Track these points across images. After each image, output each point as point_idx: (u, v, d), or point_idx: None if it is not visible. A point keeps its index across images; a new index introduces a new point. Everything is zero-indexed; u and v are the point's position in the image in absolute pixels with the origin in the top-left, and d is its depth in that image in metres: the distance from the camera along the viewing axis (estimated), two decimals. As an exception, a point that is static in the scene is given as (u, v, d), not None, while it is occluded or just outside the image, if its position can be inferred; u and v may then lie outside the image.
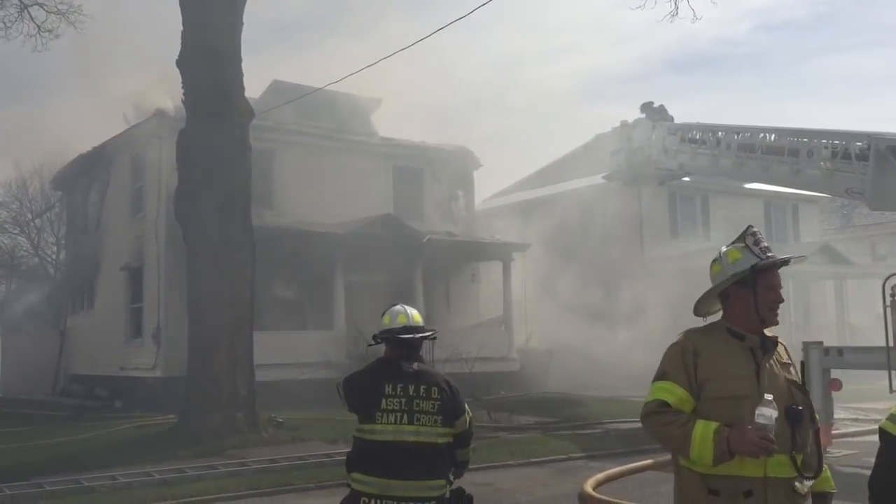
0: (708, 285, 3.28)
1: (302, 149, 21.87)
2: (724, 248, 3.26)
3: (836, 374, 11.74)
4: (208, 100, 14.23)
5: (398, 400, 4.16)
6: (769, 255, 3.16)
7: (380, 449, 4.11)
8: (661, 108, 19.35)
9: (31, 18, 18.69)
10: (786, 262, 3.22)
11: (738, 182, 23.62)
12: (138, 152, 21.84)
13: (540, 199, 28.05)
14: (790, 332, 21.21)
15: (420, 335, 4.35)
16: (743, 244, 3.20)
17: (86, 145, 23.85)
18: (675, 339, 3.22)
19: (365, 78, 17.81)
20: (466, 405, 4.41)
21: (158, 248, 19.83)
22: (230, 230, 14.16)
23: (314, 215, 20.71)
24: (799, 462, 2.99)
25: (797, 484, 3.00)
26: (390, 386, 4.19)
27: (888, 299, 10.91)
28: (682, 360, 3.11)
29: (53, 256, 33.29)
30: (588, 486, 9.41)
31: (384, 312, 4.46)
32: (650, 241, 26.16)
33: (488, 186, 31.38)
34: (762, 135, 16.16)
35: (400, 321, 4.35)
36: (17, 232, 35.61)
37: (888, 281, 10.81)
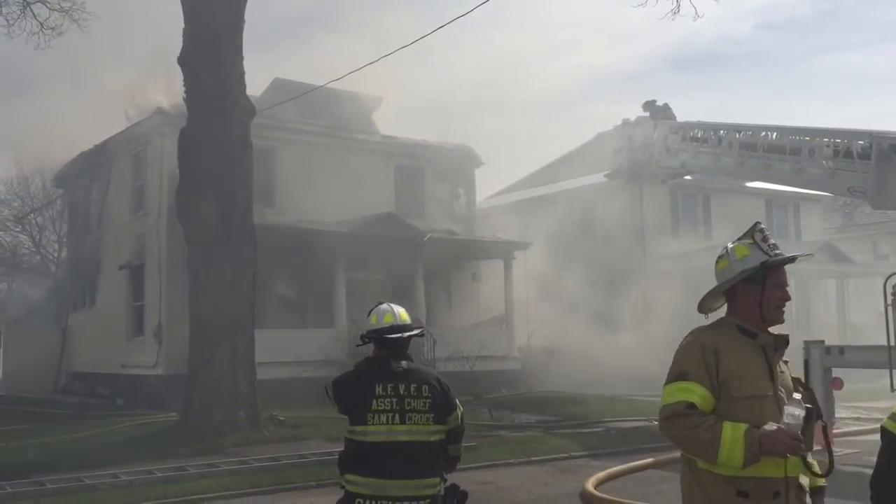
0: (710, 282, 3.24)
1: (303, 147, 21.87)
2: (730, 244, 3.20)
3: (837, 372, 11.72)
4: (210, 97, 14.23)
5: (389, 400, 4.11)
6: (777, 251, 3.13)
7: (373, 450, 4.06)
8: (665, 107, 19.32)
9: (34, 16, 18.73)
10: (794, 259, 3.20)
11: (740, 181, 23.60)
12: (140, 150, 21.84)
13: (541, 197, 28.04)
14: (792, 330, 21.03)
15: (408, 334, 4.29)
16: (751, 240, 3.15)
17: (87, 143, 23.90)
18: (688, 337, 3.12)
19: (366, 76, 17.88)
20: (457, 401, 4.35)
21: (160, 246, 19.84)
22: (231, 228, 14.16)
23: (315, 213, 20.71)
24: (808, 460, 3.00)
25: (802, 481, 3.02)
26: (380, 386, 4.13)
27: (889, 298, 10.89)
28: (702, 358, 3.01)
29: (55, 254, 33.34)
30: (589, 485, 9.41)
31: (370, 312, 4.39)
32: (651, 239, 26.15)
33: (489, 185, 31.41)
34: (764, 133, 16.14)
35: (387, 321, 4.28)
36: (18, 230, 35.67)
37: (889, 280, 10.79)
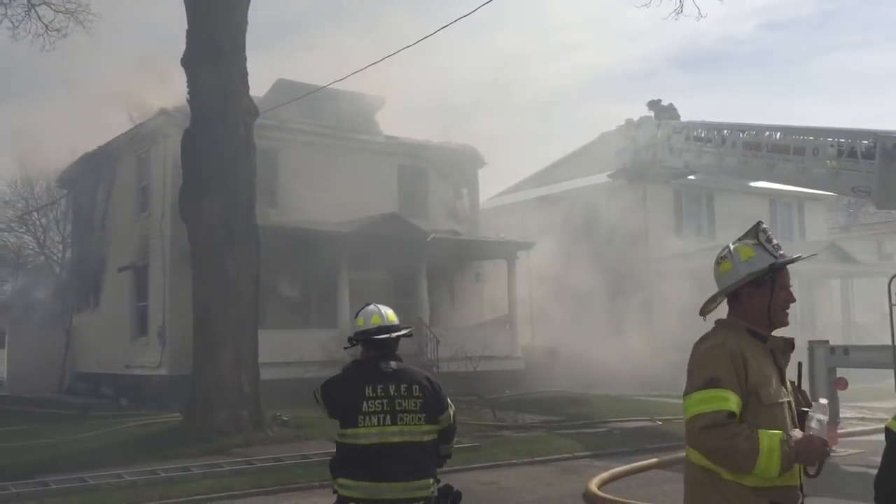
0: (714, 283, 3.19)
1: (306, 147, 21.88)
2: (732, 245, 3.09)
3: (841, 373, 11.70)
4: (213, 99, 14.24)
5: (380, 401, 4.05)
6: (781, 252, 3.06)
7: (365, 452, 4.01)
8: (670, 107, 19.32)
9: (39, 18, 18.74)
10: (799, 259, 3.16)
11: (744, 180, 23.57)
12: (143, 151, 21.88)
13: (544, 197, 28.04)
14: (796, 331, 21.10)
15: (395, 334, 4.23)
16: (755, 241, 3.05)
17: (91, 144, 23.96)
18: (711, 340, 2.98)
19: (369, 76, 17.84)
20: (449, 399, 4.30)
21: (163, 247, 19.87)
22: (235, 229, 14.17)
23: (319, 214, 20.72)
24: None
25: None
26: (370, 388, 4.07)
27: (894, 298, 10.87)
28: (732, 363, 2.89)
29: (59, 255, 33.44)
30: (593, 485, 9.41)
31: (357, 313, 4.35)
32: (655, 239, 26.12)
33: (493, 185, 31.41)
34: (768, 133, 16.13)
35: (374, 322, 4.22)
36: (23, 230, 35.79)
37: (893, 280, 10.77)
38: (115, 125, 23.01)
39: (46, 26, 18.79)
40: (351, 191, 21.69)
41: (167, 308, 19.51)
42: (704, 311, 3.21)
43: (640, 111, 20.07)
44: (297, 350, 18.36)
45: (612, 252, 25.09)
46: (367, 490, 3.99)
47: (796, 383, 3.16)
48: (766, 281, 3.00)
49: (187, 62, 14.50)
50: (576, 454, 12.36)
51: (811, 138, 15.04)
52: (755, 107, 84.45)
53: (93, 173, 24.50)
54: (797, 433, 2.82)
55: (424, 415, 4.11)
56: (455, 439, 4.43)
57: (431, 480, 4.11)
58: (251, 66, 14.81)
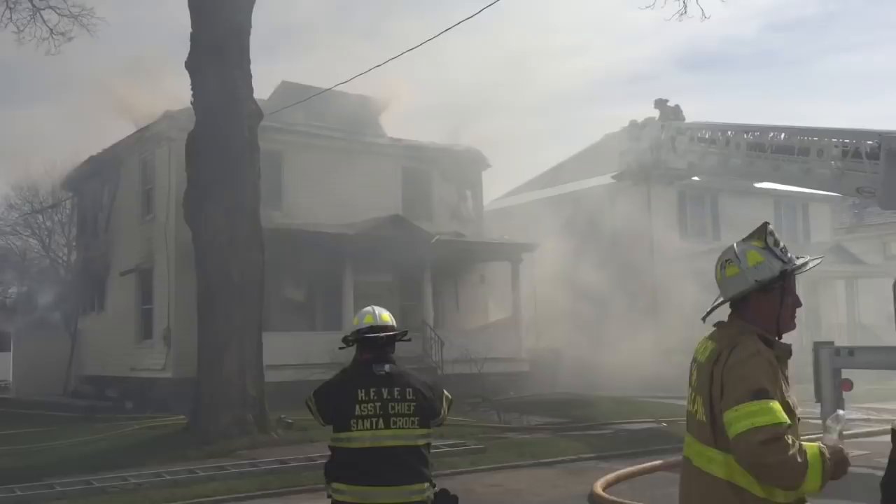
0: (714, 284, 3.09)
1: (311, 150, 21.91)
2: (737, 248, 2.93)
3: (847, 374, 11.67)
4: (217, 101, 14.27)
5: (372, 405, 4.01)
6: (790, 256, 2.94)
7: (358, 456, 3.98)
8: (676, 108, 19.25)
9: (44, 21, 18.81)
10: (814, 266, 3.05)
11: (748, 182, 23.52)
12: (148, 154, 21.93)
13: (548, 199, 28.01)
14: (801, 332, 21.05)
15: (385, 334, 4.20)
16: (762, 244, 2.91)
17: (96, 147, 24.02)
18: (746, 348, 2.78)
19: (373, 79, 17.90)
20: (445, 391, 4.26)
21: (168, 250, 19.90)
22: (239, 231, 14.19)
23: (323, 216, 20.75)
24: None
25: None
26: (363, 391, 4.03)
27: (898, 299, 10.82)
28: (773, 372, 2.75)
29: (64, 258, 33.50)
30: (598, 487, 9.40)
31: (354, 315, 4.37)
32: (659, 241, 26.08)
33: (497, 187, 31.43)
34: (772, 134, 16.08)
35: (366, 321, 4.20)
36: (28, 233, 35.88)
37: None
38: (120, 128, 23.08)
39: (51, 30, 18.88)
40: (355, 193, 21.71)
41: (172, 311, 19.55)
42: (706, 317, 3.11)
43: (645, 112, 19.99)
44: (301, 352, 18.36)
45: (616, 253, 25.06)
46: (361, 494, 3.96)
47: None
48: (776, 287, 2.88)
49: (191, 65, 14.54)
50: (581, 456, 12.35)
51: (816, 139, 15.00)
52: (760, 107, 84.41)
53: (98, 176, 24.57)
54: (826, 446, 2.72)
55: (418, 418, 4.07)
56: (447, 416, 4.31)
57: (426, 485, 4.06)
58: (255, 68, 14.87)
